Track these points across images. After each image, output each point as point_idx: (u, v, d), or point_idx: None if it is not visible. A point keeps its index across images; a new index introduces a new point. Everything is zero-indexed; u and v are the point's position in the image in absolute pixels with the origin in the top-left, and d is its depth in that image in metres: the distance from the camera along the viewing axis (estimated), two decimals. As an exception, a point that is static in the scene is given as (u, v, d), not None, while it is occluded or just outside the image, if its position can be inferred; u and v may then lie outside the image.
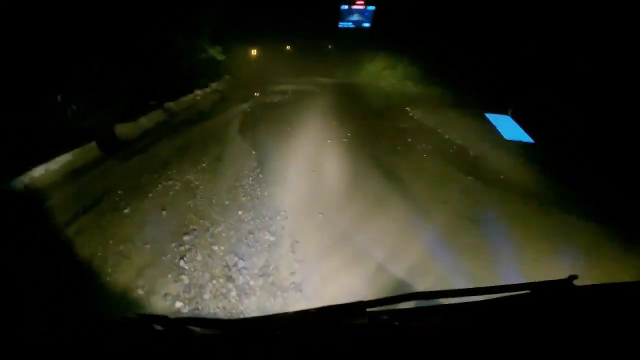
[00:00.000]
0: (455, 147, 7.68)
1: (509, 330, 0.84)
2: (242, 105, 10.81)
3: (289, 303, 3.11)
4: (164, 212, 4.38)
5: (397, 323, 0.89)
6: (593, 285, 0.95)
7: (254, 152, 6.60)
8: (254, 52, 22.87)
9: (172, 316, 0.91)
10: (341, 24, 23.50)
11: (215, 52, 14.23)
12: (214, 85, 13.53)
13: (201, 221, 4.22)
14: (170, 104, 9.56)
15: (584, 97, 8.74)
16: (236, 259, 3.62)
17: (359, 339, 0.84)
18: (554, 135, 8.15)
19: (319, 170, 5.97)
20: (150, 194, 4.80)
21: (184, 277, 3.38)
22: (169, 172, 5.50)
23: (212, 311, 3.03)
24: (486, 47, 12.75)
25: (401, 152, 7.19)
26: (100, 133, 6.50)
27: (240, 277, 3.39)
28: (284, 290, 3.27)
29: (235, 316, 3.00)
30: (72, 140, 5.92)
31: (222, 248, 3.78)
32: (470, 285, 0.94)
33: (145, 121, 7.97)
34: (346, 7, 22.73)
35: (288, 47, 25.01)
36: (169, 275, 3.39)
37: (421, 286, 3.24)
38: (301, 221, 4.34)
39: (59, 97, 6.93)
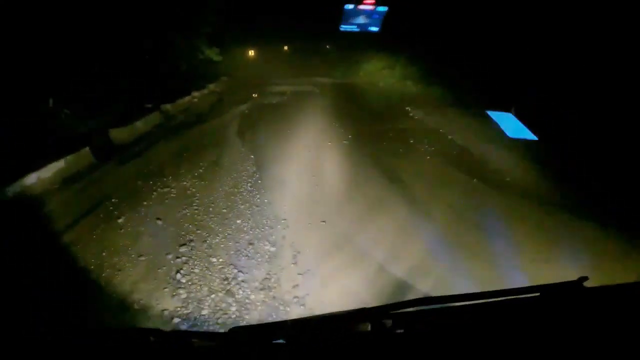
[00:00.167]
0: (458, 148, 7.54)
1: (520, 334, 0.82)
2: (240, 107, 10.63)
3: (291, 318, 2.96)
4: (159, 222, 4.21)
5: (401, 331, 0.86)
6: (603, 287, 0.94)
7: (252, 156, 6.42)
8: (252, 52, 22.68)
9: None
10: (343, 27, 20.02)
11: (213, 53, 14.01)
12: (211, 86, 13.32)
13: (198, 231, 4.06)
14: (167, 106, 9.37)
15: (584, 96, 8.63)
16: (235, 271, 3.47)
17: (363, 347, 0.83)
18: (557, 135, 8.05)
19: (320, 174, 5.81)
20: (145, 202, 4.63)
21: (181, 291, 3.23)
22: (165, 179, 5.32)
23: (211, 328, 2.89)
24: (486, 47, 12.63)
25: (403, 154, 7.03)
26: (94, 138, 6.31)
27: (240, 291, 3.24)
28: (286, 304, 3.12)
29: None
30: (65, 146, 5.74)
31: (221, 260, 3.62)
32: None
33: (141, 125, 7.78)
34: (351, 6, 18.91)
35: (286, 48, 24.80)
36: (166, 290, 3.24)
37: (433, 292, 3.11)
38: (303, 230, 4.19)
39: (50, 101, 6.73)
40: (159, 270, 3.45)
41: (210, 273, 3.44)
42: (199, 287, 3.26)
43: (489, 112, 10.39)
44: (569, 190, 5.59)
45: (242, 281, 3.34)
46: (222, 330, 2.82)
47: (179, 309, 3.04)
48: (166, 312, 3.02)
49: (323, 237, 4.07)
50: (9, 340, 0.85)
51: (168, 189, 5.02)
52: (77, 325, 2.77)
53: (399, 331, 0.86)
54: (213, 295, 3.18)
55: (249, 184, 5.29)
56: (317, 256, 3.73)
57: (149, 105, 8.79)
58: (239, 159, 6.26)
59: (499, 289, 0.91)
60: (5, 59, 6.21)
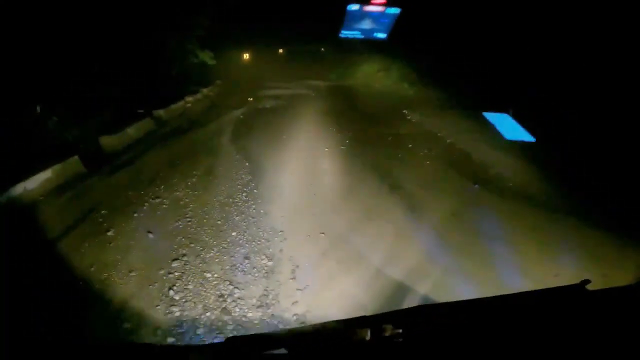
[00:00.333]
0: (457, 151, 7.46)
1: (524, 337, 0.81)
2: (234, 112, 10.46)
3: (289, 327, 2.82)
4: (150, 235, 4.03)
5: (400, 339, 0.85)
6: (606, 289, 0.94)
7: (247, 164, 6.25)
8: (247, 55, 22.53)
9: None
10: (344, 34, 17.07)
11: (206, 57, 13.81)
12: (205, 91, 13.13)
13: (191, 244, 3.89)
14: (160, 112, 9.17)
15: (584, 97, 8.62)
16: (231, 287, 3.31)
17: (363, 355, 0.82)
18: (555, 135, 8.03)
19: (317, 182, 5.67)
20: (136, 214, 4.44)
21: (174, 309, 3.07)
22: (157, 189, 5.13)
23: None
24: (483, 47, 12.63)
25: (402, 159, 6.93)
26: (83, 146, 6.11)
27: (237, 309, 3.08)
28: (285, 323, 2.98)
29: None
30: (53, 154, 5.53)
31: (216, 275, 3.46)
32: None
33: (133, 131, 7.57)
34: (356, 7, 15.63)
35: (281, 51, 24.69)
36: (158, 307, 3.08)
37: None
38: (301, 242, 4.03)
39: (38, 108, 6.50)
40: (150, 287, 3.28)
41: (204, 290, 3.27)
42: (193, 305, 3.10)
43: (486, 114, 10.38)
44: (570, 195, 5.52)
45: (239, 298, 3.18)
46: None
47: (172, 328, 2.88)
48: (159, 331, 2.86)
49: (323, 250, 3.91)
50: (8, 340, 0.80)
51: (160, 199, 4.83)
52: (75, 341, 2.61)
53: (398, 339, 0.85)
54: (208, 314, 3.02)
55: (244, 194, 5.13)
56: (317, 271, 3.57)
57: (141, 111, 8.58)
58: (234, 167, 6.09)
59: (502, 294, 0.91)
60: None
